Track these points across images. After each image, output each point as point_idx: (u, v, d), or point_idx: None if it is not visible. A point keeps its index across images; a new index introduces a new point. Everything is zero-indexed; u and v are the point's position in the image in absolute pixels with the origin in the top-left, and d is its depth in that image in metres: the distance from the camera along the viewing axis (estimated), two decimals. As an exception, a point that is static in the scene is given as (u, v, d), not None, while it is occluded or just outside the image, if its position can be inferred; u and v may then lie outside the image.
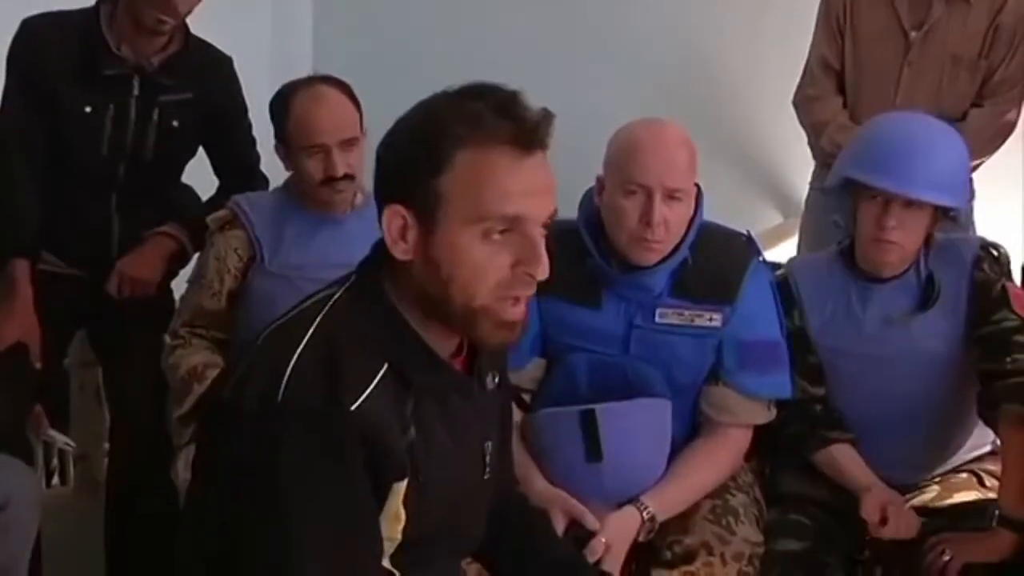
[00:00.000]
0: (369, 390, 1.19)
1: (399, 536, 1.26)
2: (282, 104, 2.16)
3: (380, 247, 1.27)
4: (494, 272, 1.20)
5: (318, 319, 1.23)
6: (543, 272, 1.22)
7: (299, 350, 1.20)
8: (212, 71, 2.41)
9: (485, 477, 1.37)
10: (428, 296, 1.23)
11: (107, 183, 2.37)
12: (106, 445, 2.58)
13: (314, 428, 1.16)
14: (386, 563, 1.28)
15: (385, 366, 1.21)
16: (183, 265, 2.46)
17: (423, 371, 1.25)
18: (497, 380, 1.40)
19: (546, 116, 1.21)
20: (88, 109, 2.28)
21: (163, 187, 2.48)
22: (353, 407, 1.18)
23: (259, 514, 1.17)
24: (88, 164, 2.33)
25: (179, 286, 2.41)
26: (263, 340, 1.26)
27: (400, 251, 1.22)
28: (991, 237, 2.10)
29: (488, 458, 1.36)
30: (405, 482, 1.22)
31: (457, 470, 1.31)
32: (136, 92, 2.30)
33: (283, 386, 1.17)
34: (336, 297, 1.27)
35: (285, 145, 2.17)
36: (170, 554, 2.21)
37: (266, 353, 1.23)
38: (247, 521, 1.18)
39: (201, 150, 2.51)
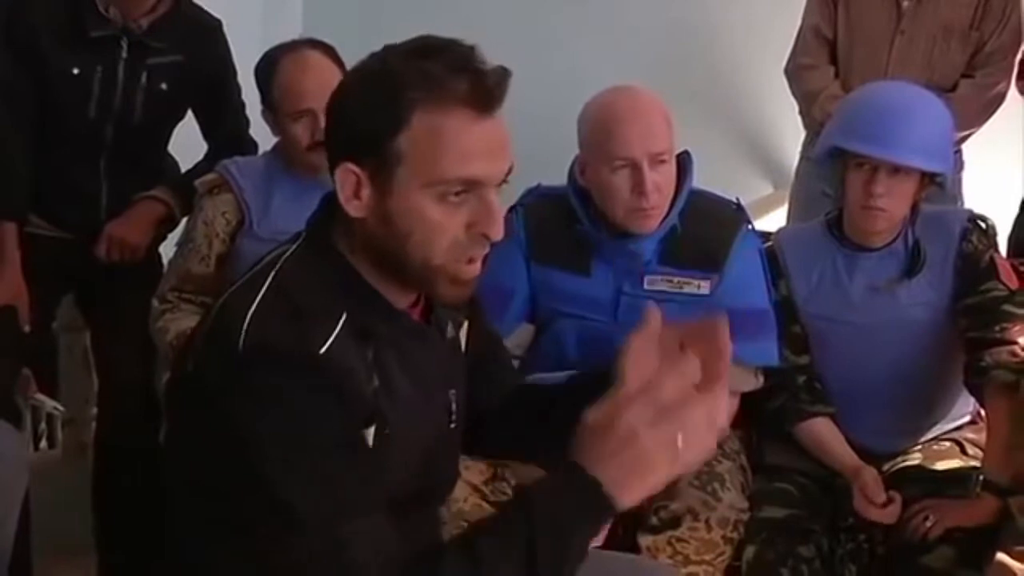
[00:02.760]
0: (333, 336, 1.17)
1: None
2: (267, 69, 2.15)
3: (329, 202, 1.26)
4: (450, 233, 1.19)
5: (270, 276, 1.21)
6: (498, 233, 1.21)
7: (254, 305, 1.17)
8: (201, 34, 2.39)
9: (452, 426, 1.36)
10: (382, 252, 1.22)
11: (95, 146, 2.35)
12: (94, 409, 2.58)
13: (279, 370, 1.13)
14: None
15: (344, 315, 1.20)
16: (172, 229, 2.45)
17: (380, 320, 1.24)
18: (465, 329, 1.39)
19: (503, 74, 1.19)
20: (76, 71, 2.26)
21: (152, 151, 2.46)
22: (321, 351, 1.16)
23: (240, 473, 1.13)
24: (76, 127, 2.31)
25: (167, 250, 2.41)
26: (216, 308, 1.23)
27: (354, 208, 1.21)
28: (985, 209, 2.11)
29: (454, 406, 1.36)
30: (373, 429, 1.21)
31: (423, 418, 1.30)
32: (124, 54, 2.28)
33: (243, 337, 1.14)
34: (287, 254, 1.25)
35: (272, 110, 2.16)
36: (158, 518, 2.23)
37: (221, 317, 1.20)
38: (231, 489, 1.14)
39: (190, 114, 2.50)
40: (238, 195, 2.19)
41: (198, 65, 2.37)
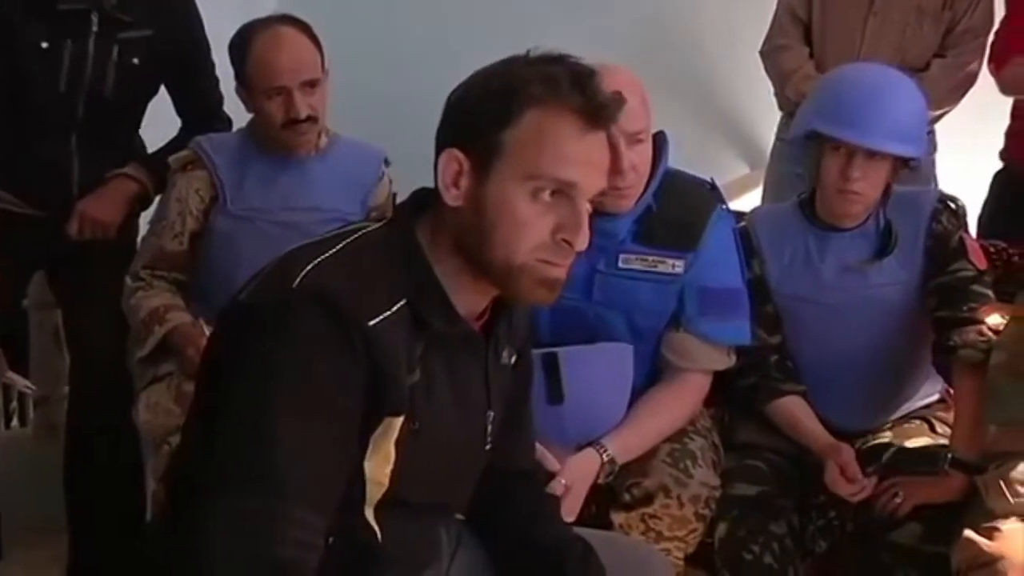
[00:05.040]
0: (387, 315, 1.19)
1: (386, 481, 1.26)
2: (241, 46, 2.12)
3: (419, 193, 1.29)
4: (535, 232, 1.22)
5: (347, 240, 1.24)
6: (582, 243, 1.24)
7: (321, 258, 1.20)
8: (173, 8, 2.36)
9: (486, 447, 1.38)
10: (467, 246, 1.24)
11: (66, 122, 2.32)
12: (66, 388, 2.56)
13: (325, 317, 1.15)
14: (369, 515, 1.28)
15: (404, 300, 1.22)
16: (145, 207, 2.43)
17: (438, 319, 1.25)
18: (514, 360, 1.42)
19: (617, 99, 1.24)
20: (45, 45, 2.23)
21: (124, 127, 2.44)
22: (370, 323, 1.18)
23: (247, 384, 1.15)
24: (46, 102, 2.28)
25: (141, 228, 2.39)
26: (282, 255, 1.25)
27: (451, 196, 1.24)
28: (957, 190, 2.13)
29: (489, 428, 1.37)
30: (400, 420, 1.23)
31: (455, 428, 1.31)
32: (95, 28, 2.25)
33: (300, 278, 1.17)
34: (368, 230, 1.28)
35: (245, 88, 2.14)
36: (130, 495, 2.23)
37: (283, 261, 1.23)
38: (236, 388, 1.16)
39: (163, 91, 2.47)
40: (212, 172, 2.17)
41: (170, 40, 2.34)
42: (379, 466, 1.25)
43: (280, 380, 1.14)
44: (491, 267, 1.24)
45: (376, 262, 1.23)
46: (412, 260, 1.25)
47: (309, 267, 1.19)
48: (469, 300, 1.28)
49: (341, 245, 1.24)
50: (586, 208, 1.25)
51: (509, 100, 1.21)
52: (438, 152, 1.25)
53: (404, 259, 1.25)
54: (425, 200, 1.28)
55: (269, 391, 1.14)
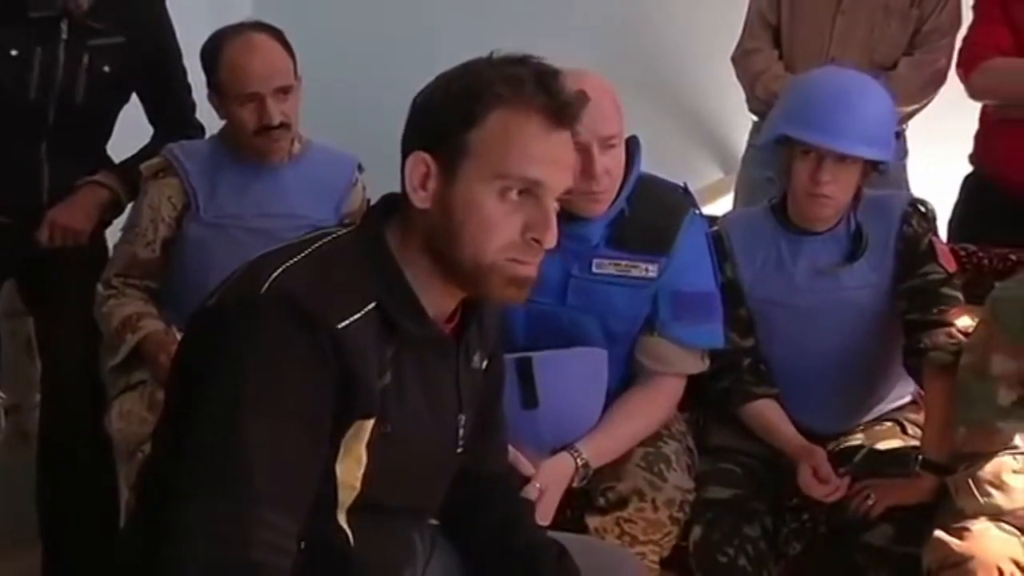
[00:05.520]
0: (355, 317, 1.20)
1: (358, 484, 1.26)
2: (213, 52, 2.12)
3: (388, 198, 1.30)
4: (504, 231, 1.23)
5: (315, 245, 1.25)
6: (551, 241, 1.25)
7: (288, 263, 1.21)
8: (144, 14, 2.36)
9: (458, 451, 1.38)
10: (437, 247, 1.25)
11: (36, 129, 2.31)
12: (38, 396, 2.53)
13: (293, 320, 1.16)
14: (341, 519, 1.28)
15: (374, 303, 1.22)
16: (117, 215, 2.42)
17: (408, 321, 1.25)
18: (485, 364, 1.42)
19: (580, 98, 1.25)
20: (14, 52, 2.22)
21: (95, 135, 2.42)
22: (339, 325, 1.18)
23: (216, 388, 1.15)
24: (15, 109, 2.27)
25: (112, 236, 2.37)
26: (250, 260, 1.25)
27: (419, 199, 1.24)
28: (929, 195, 2.15)
29: (461, 431, 1.37)
30: (372, 423, 1.23)
31: (426, 431, 1.31)
32: (65, 36, 2.24)
33: (268, 283, 1.18)
34: (338, 234, 1.29)
35: (218, 95, 2.14)
36: (103, 505, 2.21)
37: (250, 267, 1.23)
38: (205, 393, 1.16)
39: (135, 98, 2.46)
40: (184, 179, 2.16)
41: (141, 47, 2.33)
42: (351, 469, 1.25)
43: (249, 383, 1.14)
44: (461, 267, 1.24)
45: (345, 265, 1.23)
46: (381, 263, 1.25)
47: (277, 271, 1.19)
48: (439, 302, 1.29)
49: (310, 250, 1.24)
50: (554, 207, 1.25)
51: (474, 101, 1.22)
52: (404, 155, 1.26)
53: (373, 262, 1.25)
54: (394, 204, 1.29)
55: (238, 394, 1.14)
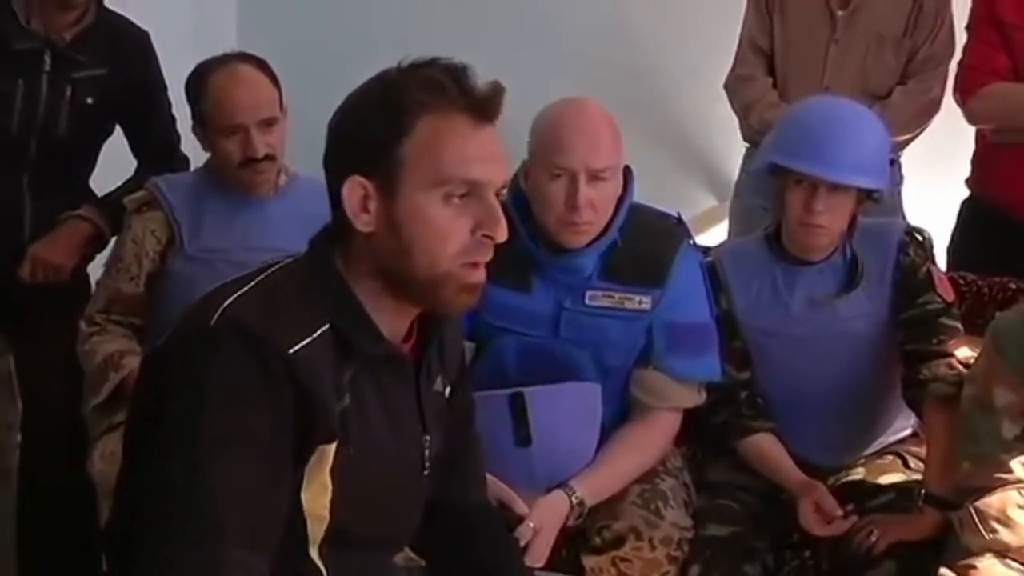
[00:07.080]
0: (308, 340, 1.19)
1: (326, 514, 1.24)
2: (197, 84, 2.10)
3: (331, 225, 1.27)
4: (456, 236, 1.22)
5: (263, 275, 1.24)
6: (502, 234, 1.24)
7: (236, 294, 1.20)
8: (127, 46, 2.33)
9: (424, 473, 1.36)
10: (388, 269, 1.23)
11: (18, 162, 2.27)
12: (18, 436, 2.49)
13: (245, 348, 1.15)
14: (314, 555, 1.25)
15: (327, 325, 1.21)
16: (100, 249, 2.38)
17: (363, 341, 1.24)
18: (449, 391, 1.40)
19: (498, 88, 1.24)
20: (-4, 84, 2.19)
21: (79, 168, 2.39)
22: (291, 350, 1.17)
23: (173, 427, 1.14)
24: (-3, 142, 2.24)
25: (95, 271, 2.33)
26: (200, 297, 1.24)
27: (363, 223, 1.22)
28: (926, 223, 2.12)
29: (427, 452, 1.35)
30: (334, 447, 1.21)
31: (391, 453, 1.29)
32: (48, 68, 2.21)
33: (217, 315, 1.17)
34: (284, 263, 1.27)
35: (202, 126, 2.11)
36: (83, 545, 2.16)
37: (201, 302, 1.22)
38: (161, 431, 1.14)
39: (119, 130, 2.43)
40: (168, 213, 2.13)
41: (125, 79, 2.30)
42: (316, 497, 1.23)
43: (204, 418, 1.13)
44: (415, 282, 1.23)
45: (294, 292, 1.22)
46: (331, 285, 1.24)
47: (225, 303, 1.18)
48: (391, 321, 1.27)
49: (258, 279, 1.23)
50: (496, 198, 1.25)
51: (398, 113, 1.20)
52: (333, 184, 1.23)
53: (323, 285, 1.24)
54: (336, 231, 1.26)
55: (195, 430, 1.13)
